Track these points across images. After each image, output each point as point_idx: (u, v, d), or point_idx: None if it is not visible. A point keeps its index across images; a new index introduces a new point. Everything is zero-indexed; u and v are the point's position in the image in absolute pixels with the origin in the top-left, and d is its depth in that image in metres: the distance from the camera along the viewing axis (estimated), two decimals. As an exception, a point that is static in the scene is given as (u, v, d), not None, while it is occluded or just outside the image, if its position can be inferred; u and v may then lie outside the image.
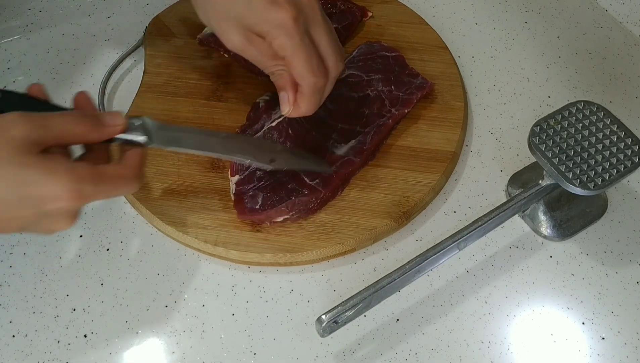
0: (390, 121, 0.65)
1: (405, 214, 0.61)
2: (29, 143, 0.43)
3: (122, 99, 0.71)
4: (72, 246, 0.61)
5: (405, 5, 0.78)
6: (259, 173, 0.61)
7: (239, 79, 0.71)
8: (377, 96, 0.67)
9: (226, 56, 0.72)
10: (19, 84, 0.73)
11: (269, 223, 0.60)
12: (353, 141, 0.63)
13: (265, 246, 0.59)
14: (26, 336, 0.57)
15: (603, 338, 0.56)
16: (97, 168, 0.46)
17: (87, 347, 0.56)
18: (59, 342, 0.56)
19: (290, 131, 0.63)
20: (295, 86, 0.54)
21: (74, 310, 0.58)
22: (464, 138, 0.68)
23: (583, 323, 0.57)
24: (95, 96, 0.71)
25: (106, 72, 0.73)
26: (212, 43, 0.71)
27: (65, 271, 0.60)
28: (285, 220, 0.60)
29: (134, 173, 0.48)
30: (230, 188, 0.62)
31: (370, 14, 0.76)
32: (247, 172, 0.61)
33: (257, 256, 0.59)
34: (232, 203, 0.61)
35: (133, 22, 0.78)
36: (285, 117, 0.62)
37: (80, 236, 0.62)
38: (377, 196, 0.62)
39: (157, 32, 0.75)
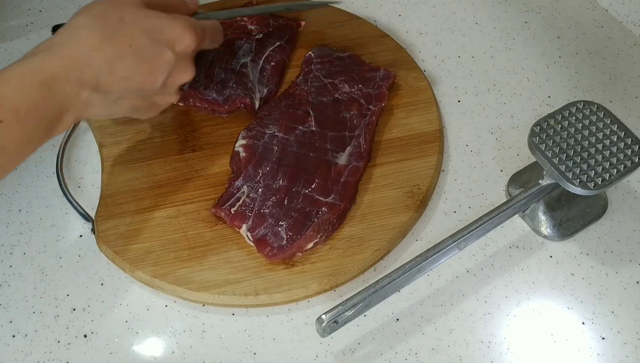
0: (373, 117, 0.66)
1: (422, 202, 0.62)
2: (145, 2, 0.56)
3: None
4: (73, 246, 0.61)
5: (331, 6, 0.76)
6: (267, 210, 0.59)
7: (204, 123, 0.67)
8: (350, 98, 0.67)
9: (180, 104, 0.68)
10: (19, 84, 0.73)
11: (300, 254, 0.58)
12: (349, 148, 0.64)
13: (307, 277, 0.57)
14: (26, 336, 0.57)
15: (603, 338, 0.56)
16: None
17: (87, 347, 0.56)
18: (59, 342, 0.56)
19: (287, 163, 0.62)
20: None
21: (74, 310, 0.58)
22: (441, 115, 0.68)
23: (583, 323, 0.57)
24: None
25: (106, 72, 0.73)
26: None
27: (65, 271, 0.60)
28: (315, 245, 0.59)
29: (219, 25, 0.64)
30: (244, 237, 0.59)
31: (303, 23, 0.75)
32: (252, 216, 0.59)
33: (303, 291, 0.57)
34: (254, 249, 0.59)
35: (133, 22, 0.78)
36: (277, 158, 0.62)
37: (81, 236, 0.62)
38: (389, 194, 0.62)
39: None
